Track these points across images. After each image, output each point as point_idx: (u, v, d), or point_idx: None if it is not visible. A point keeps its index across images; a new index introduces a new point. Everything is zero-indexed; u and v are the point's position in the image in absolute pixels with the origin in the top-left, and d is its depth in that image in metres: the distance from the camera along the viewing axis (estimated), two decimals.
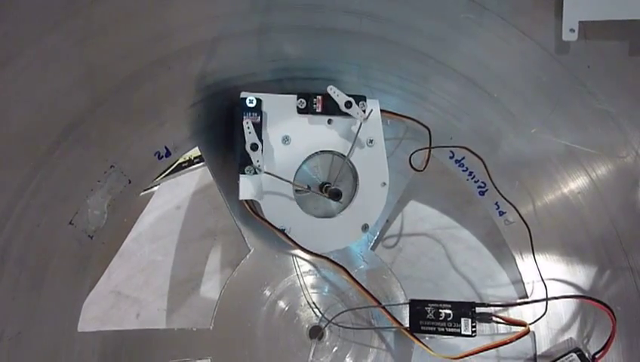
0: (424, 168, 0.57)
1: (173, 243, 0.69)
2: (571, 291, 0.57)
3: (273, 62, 0.53)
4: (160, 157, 0.52)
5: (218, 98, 0.53)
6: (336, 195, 0.51)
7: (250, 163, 0.49)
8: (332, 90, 0.50)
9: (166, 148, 0.52)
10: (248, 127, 0.48)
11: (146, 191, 0.68)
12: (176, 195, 0.72)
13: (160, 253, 0.69)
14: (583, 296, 0.56)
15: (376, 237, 0.60)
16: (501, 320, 0.53)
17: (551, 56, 0.52)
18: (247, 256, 0.55)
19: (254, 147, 0.48)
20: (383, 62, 0.55)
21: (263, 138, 0.49)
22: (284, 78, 0.54)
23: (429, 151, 0.57)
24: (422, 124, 0.57)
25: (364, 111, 0.51)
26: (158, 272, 0.68)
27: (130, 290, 0.67)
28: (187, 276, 0.68)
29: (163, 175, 0.69)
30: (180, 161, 0.72)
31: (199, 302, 0.66)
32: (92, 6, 0.41)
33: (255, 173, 0.49)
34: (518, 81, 0.55)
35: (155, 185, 0.71)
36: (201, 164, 0.72)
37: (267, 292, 0.56)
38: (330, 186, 0.52)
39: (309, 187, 0.53)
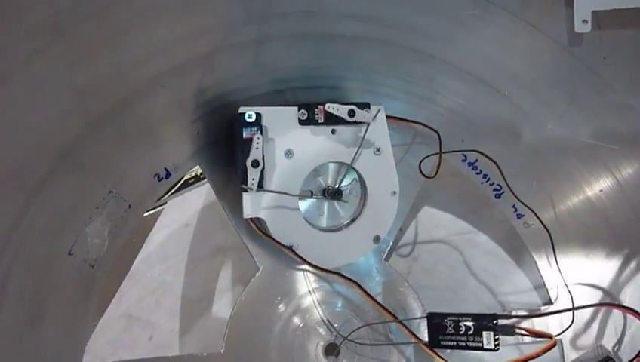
0: (435, 174, 0.55)
1: (183, 262, 0.68)
2: (598, 296, 0.55)
3: (273, 73, 0.52)
4: (160, 179, 0.50)
5: (217, 114, 0.51)
6: (335, 193, 0.51)
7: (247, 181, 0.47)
8: (331, 108, 0.49)
9: (165, 169, 0.50)
10: (257, 143, 0.47)
11: (148, 213, 0.67)
12: (184, 213, 0.71)
13: (170, 272, 0.67)
14: (611, 304, 0.54)
15: (389, 247, 0.58)
16: (525, 332, 0.50)
17: (564, 49, 0.50)
18: (257, 275, 0.54)
19: (255, 164, 0.46)
20: (386, 65, 0.53)
21: (264, 153, 0.48)
22: (285, 88, 0.53)
23: (440, 156, 0.55)
24: (430, 128, 0.55)
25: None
26: (169, 293, 0.66)
27: (142, 313, 0.66)
28: (198, 295, 0.66)
29: (167, 195, 0.68)
30: (187, 177, 0.70)
31: (211, 322, 0.65)
32: (79, 27, 0.40)
33: (257, 190, 0.48)
34: (531, 77, 0.53)
35: (157, 208, 0.70)
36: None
37: (279, 311, 0.54)
38: (329, 188, 0.52)
39: (312, 193, 0.52)
